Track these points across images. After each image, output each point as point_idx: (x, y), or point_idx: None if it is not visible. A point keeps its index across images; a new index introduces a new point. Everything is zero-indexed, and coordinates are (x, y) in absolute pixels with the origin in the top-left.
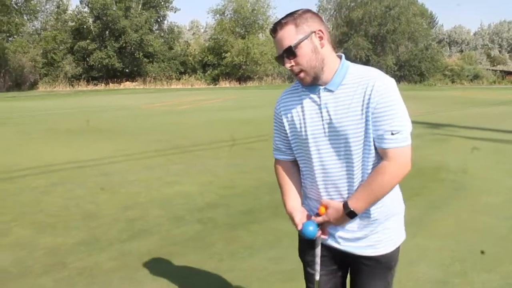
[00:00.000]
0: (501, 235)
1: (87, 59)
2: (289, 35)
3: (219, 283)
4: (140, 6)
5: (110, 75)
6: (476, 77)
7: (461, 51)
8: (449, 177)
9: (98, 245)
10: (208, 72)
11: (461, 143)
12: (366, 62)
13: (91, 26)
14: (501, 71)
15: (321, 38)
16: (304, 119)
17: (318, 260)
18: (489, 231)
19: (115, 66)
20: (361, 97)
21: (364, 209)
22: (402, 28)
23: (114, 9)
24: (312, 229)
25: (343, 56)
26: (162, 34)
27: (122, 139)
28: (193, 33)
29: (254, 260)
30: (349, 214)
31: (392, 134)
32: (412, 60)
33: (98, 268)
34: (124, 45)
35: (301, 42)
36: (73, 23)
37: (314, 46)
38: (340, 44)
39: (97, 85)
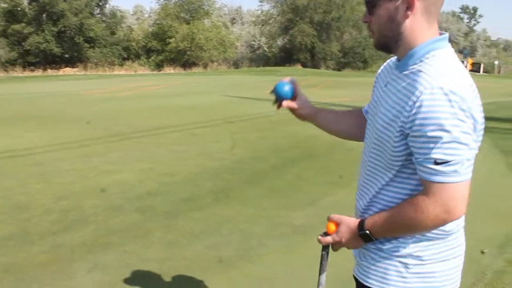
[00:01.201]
0: None
1: (23, 43)
2: None
3: (158, 272)
4: None
5: (49, 61)
6: None
7: None
8: None
9: (29, 239)
10: (152, 58)
11: None
12: (312, 49)
13: (26, 8)
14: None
15: (408, 7)
16: (374, 93)
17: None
18: None
19: (53, 51)
20: (405, 100)
21: (381, 237)
22: (347, 15)
23: None
24: (286, 89)
25: (441, 38)
26: (104, 19)
27: (59, 127)
28: (137, 18)
29: (194, 248)
30: (363, 237)
31: (436, 163)
32: (356, 47)
33: (27, 263)
34: (63, 29)
35: (381, 1)
36: (5, 5)
37: (393, 13)
38: (286, 30)
39: (34, 71)
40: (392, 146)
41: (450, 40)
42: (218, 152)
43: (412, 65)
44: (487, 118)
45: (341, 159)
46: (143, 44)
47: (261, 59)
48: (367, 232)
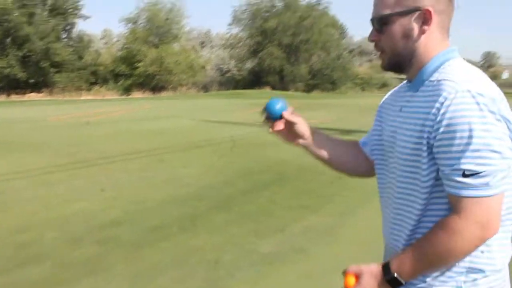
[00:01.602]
0: None
1: None
2: (386, 1)
3: None
4: (46, 13)
5: (12, 86)
6: (384, 85)
7: (370, 60)
8: (361, 183)
9: None
10: (121, 82)
11: None
12: (281, 72)
13: None
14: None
15: (425, 22)
16: (386, 121)
17: None
18: None
19: (17, 76)
20: (428, 111)
21: (413, 278)
22: (315, 38)
23: (15, 14)
24: (280, 106)
25: (452, 49)
26: (71, 43)
27: (23, 154)
28: (105, 42)
29: (159, 281)
30: (392, 282)
31: (465, 175)
32: (325, 69)
33: None
34: (28, 53)
35: (394, 16)
36: None
37: (408, 29)
38: (255, 53)
39: None
40: (424, 170)
41: None
42: (186, 177)
43: (428, 78)
44: None
45: (313, 182)
46: (111, 68)
47: (230, 82)
48: (395, 275)
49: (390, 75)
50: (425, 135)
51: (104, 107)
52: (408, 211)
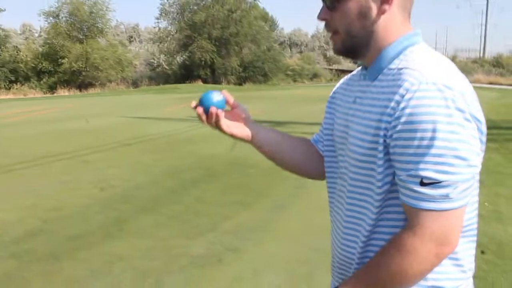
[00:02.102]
0: None
1: None
2: None
3: None
4: None
5: None
6: (315, 75)
7: (301, 52)
8: (292, 175)
9: None
10: (44, 80)
11: None
12: (212, 65)
13: None
14: (336, 69)
15: (385, 0)
16: (337, 114)
17: None
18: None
19: None
20: (385, 104)
21: None
22: (245, 30)
23: None
24: (218, 98)
25: (415, 33)
26: None
27: None
28: (26, 38)
29: None
30: None
31: (423, 184)
32: (256, 62)
33: None
34: None
35: None
36: None
37: (366, 7)
38: (185, 47)
39: None
40: (378, 174)
41: None
42: (111, 179)
43: (388, 66)
44: None
45: (244, 177)
46: (33, 65)
47: (161, 77)
48: None
49: (320, 66)
50: (381, 133)
51: (25, 107)
52: (360, 219)
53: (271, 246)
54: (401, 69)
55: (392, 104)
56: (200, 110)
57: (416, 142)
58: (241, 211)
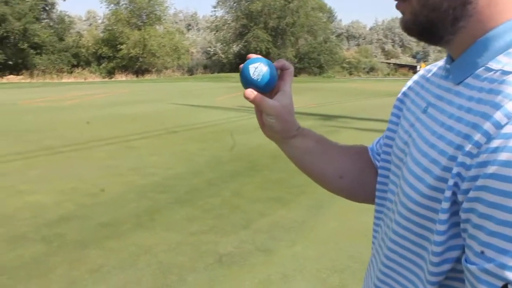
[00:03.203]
0: None
1: None
2: None
3: None
4: None
5: None
6: (372, 69)
7: (358, 45)
8: None
9: None
10: (103, 65)
11: (352, 134)
12: (267, 55)
13: None
14: (394, 64)
15: None
16: (403, 121)
17: None
18: (369, 231)
19: None
20: (469, 130)
21: None
22: (301, 21)
23: None
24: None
25: None
26: (51, 24)
27: None
28: (90, 24)
29: None
30: None
31: (482, 254)
32: (312, 53)
33: None
34: (5, 34)
35: None
36: None
37: None
38: (241, 36)
39: None
40: (436, 240)
41: (403, 45)
42: (152, 166)
43: (486, 63)
44: None
45: (285, 171)
46: (94, 50)
47: (217, 66)
48: None
49: (377, 60)
50: (451, 181)
51: (82, 91)
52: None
53: (304, 249)
54: (508, 73)
55: (478, 136)
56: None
57: (507, 216)
58: (278, 209)
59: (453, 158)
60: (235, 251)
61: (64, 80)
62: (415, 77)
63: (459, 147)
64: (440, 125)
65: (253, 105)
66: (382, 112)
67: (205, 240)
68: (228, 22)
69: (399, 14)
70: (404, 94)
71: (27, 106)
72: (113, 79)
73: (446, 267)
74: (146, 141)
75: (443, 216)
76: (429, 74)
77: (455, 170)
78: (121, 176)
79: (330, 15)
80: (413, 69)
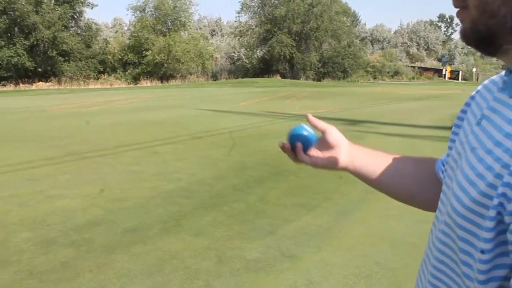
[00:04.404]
0: (411, 243)
1: None
2: None
3: None
4: (52, 1)
5: (21, 75)
6: (396, 73)
7: (382, 48)
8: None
9: None
10: (129, 71)
11: (377, 139)
12: (291, 60)
13: None
14: (419, 67)
15: None
16: (461, 131)
17: None
18: (399, 239)
19: (25, 65)
20: (510, 154)
21: None
22: (325, 25)
23: (22, 3)
24: (307, 132)
25: None
26: (79, 32)
27: (10, 147)
28: (116, 31)
29: None
30: None
31: None
32: (335, 57)
33: None
34: (35, 42)
35: None
36: None
37: None
38: (265, 41)
39: (5, 85)
40: (481, 258)
41: (428, 49)
42: (177, 172)
43: None
44: None
45: (312, 177)
46: (120, 57)
47: (240, 71)
48: None
49: (401, 63)
50: (496, 200)
51: (109, 97)
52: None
53: (330, 255)
54: None
55: None
56: (287, 146)
57: None
58: (304, 215)
59: (499, 176)
60: (261, 257)
61: (90, 86)
62: (479, 87)
63: (506, 166)
64: (490, 139)
65: (275, 111)
66: (407, 117)
67: (231, 245)
68: (252, 27)
69: (423, 17)
70: (467, 104)
71: (55, 112)
72: (138, 85)
73: (493, 285)
74: (171, 146)
75: (488, 235)
76: (491, 85)
77: (500, 190)
78: (146, 181)
79: (354, 19)
80: (438, 72)
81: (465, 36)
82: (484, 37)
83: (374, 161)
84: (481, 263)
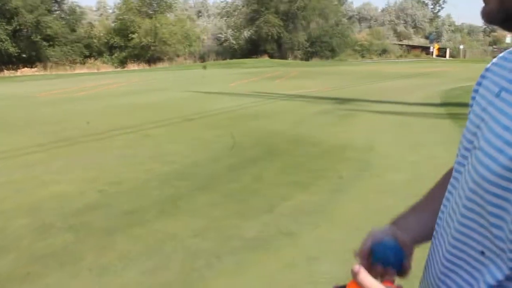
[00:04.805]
0: None
1: None
2: None
3: None
4: None
5: (5, 61)
6: (384, 51)
7: (370, 27)
8: (355, 155)
9: None
10: (115, 54)
11: (368, 117)
12: (278, 40)
13: None
14: (406, 45)
15: None
16: (475, 105)
17: None
18: (395, 214)
19: (9, 51)
20: None
21: None
22: (313, 4)
23: None
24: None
25: None
26: (63, 15)
27: (1, 134)
28: (101, 14)
29: (128, 274)
30: None
31: None
32: (323, 36)
33: None
34: (18, 27)
35: None
36: None
37: None
38: (252, 22)
39: None
40: (510, 205)
41: (416, 26)
42: (171, 154)
43: None
44: (453, 104)
45: (305, 155)
46: (105, 40)
47: (228, 52)
48: None
49: (389, 41)
50: None
51: (97, 81)
52: (467, 271)
53: (327, 231)
54: None
55: None
56: (378, 268)
57: None
58: (300, 193)
59: None
60: (259, 235)
61: (77, 71)
62: (489, 65)
63: None
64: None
65: (265, 91)
66: (396, 95)
67: (229, 225)
68: (239, 7)
69: None
70: (478, 83)
71: (45, 99)
72: (125, 69)
73: None
74: (163, 129)
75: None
76: (502, 61)
77: None
78: (141, 164)
79: None
80: (426, 50)
81: (490, 16)
82: (508, 14)
83: (424, 223)
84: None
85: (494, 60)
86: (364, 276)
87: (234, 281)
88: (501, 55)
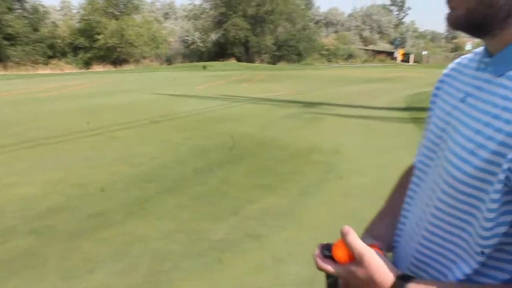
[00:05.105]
0: (365, 219)
1: None
2: None
3: None
4: None
5: None
6: (350, 56)
7: (336, 31)
8: (321, 159)
9: None
10: (80, 55)
11: (334, 121)
12: (246, 43)
13: None
14: (372, 50)
15: None
16: (438, 108)
17: None
18: (360, 218)
19: None
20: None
21: None
22: (280, 8)
23: None
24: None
25: None
26: (25, 14)
27: None
28: (64, 14)
29: (94, 277)
30: None
31: None
32: (290, 40)
33: None
34: None
35: None
36: None
37: None
38: (219, 25)
39: None
40: (486, 216)
41: (381, 32)
42: (138, 156)
43: None
44: (416, 109)
45: (272, 159)
46: (70, 41)
47: (195, 55)
48: None
49: (355, 46)
50: (505, 165)
51: (62, 82)
52: (442, 264)
53: (294, 234)
54: None
55: None
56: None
57: None
58: (266, 196)
59: (504, 144)
60: (227, 237)
61: (39, 72)
62: (450, 66)
63: (510, 134)
64: (484, 113)
65: (233, 94)
66: (362, 99)
67: (197, 227)
68: (207, 10)
69: (376, 1)
70: (437, 88)
71: (5, 99)
72: (90, 70)
73: (494, 240)
74: (130, 131)
75: (496, 196)
76: (461, 67)
77: (509, 156)
78: (107, 166)
79: (308, 2)
80: (390, 55)
81: (456, 22)
82: (477, 24)
83: (386, 222)
84: (487, 221)
85: (451, 65)
86: (353, 237)
87: (202, 284)
88: (457, 60)
